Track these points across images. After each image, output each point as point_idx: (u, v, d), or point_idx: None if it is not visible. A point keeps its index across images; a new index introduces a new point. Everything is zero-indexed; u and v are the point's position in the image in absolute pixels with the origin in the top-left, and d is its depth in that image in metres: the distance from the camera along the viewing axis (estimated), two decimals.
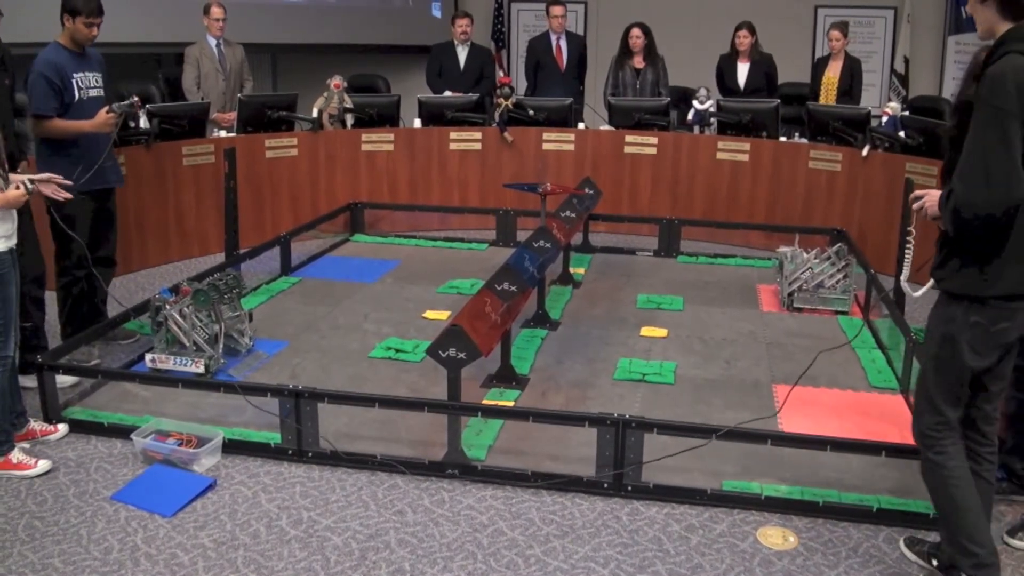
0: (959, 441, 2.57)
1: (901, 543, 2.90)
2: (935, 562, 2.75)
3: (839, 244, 5.23)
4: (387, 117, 6.92)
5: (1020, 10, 2.32)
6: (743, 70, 7.13)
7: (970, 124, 2.30)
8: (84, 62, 4.18)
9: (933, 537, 2.85)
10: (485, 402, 3.78)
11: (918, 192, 2.56)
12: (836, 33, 6.89)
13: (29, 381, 3.72)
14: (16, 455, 3.31)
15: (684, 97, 7.24)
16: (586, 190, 5.76)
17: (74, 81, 4.10)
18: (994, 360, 2.48)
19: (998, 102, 2.22)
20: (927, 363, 2.57)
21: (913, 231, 2.82)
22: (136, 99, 4.27)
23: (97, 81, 4.23)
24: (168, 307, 4.00)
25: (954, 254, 2.43)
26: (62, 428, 3.57)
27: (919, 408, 2.61)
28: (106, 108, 4.11)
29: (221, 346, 4.11)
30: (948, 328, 2.46)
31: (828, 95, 6.95)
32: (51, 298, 4.47)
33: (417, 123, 6.99)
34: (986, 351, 2.44)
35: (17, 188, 3.20)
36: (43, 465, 3.30)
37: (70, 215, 4.03)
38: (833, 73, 6.97)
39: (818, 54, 9.24)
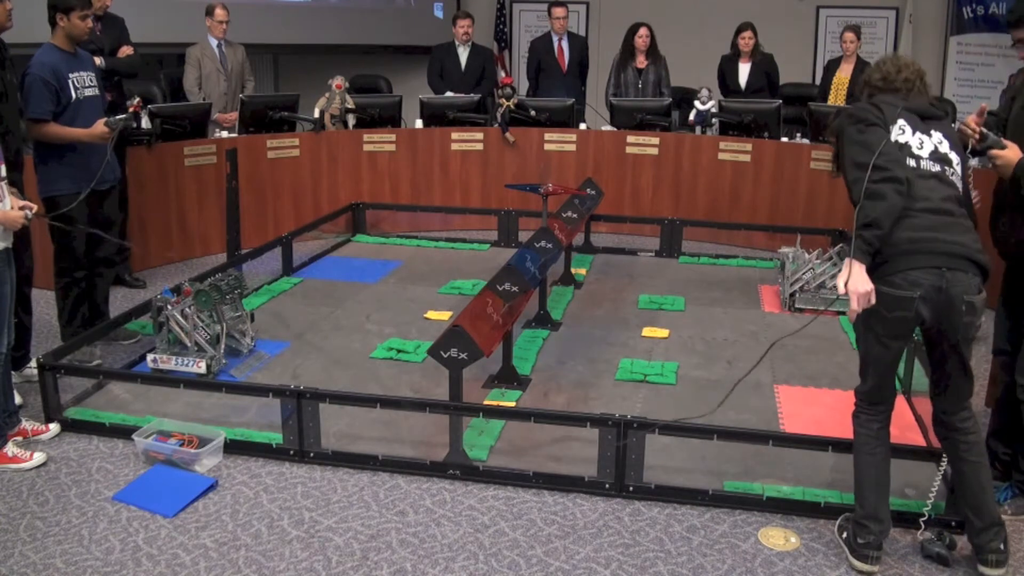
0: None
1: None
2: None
3: (841, 244, 5.23)
4: (389, 117, 6.93)
5: None
6: (744, 71, 7.13)
7: None
8: (78, 62, 4.17)
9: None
10: (487, 402, 3.78)
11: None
12: (851, 35, 6.88)
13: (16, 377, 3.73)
14: (11, 448, 3.32)
15: (686, 97, 7.25)
16: (588, 190, 5.76)
17: (70, 81, 4.09)
18: None
19: None
20: None
21: None
22: (134, 109, 4.23)
23: (91, 81, 4.22)
24: (170, 307, 4.01)
25: None
26: (53, 427, 3.56)
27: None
28: (103, 121, 4.07)
29: (223, 346, 4.11)
30: None
31: (838, 96, 6.94)
32: (49, 297, 4.49)
33: (419, 123, 6.99)
34: None
35: (20, 210, 3.20)
36: (38, 458, 3.31)
37: (66, 216, 4.03)
38: (845, 75, 6.96)
39: (820, 55, 9.24)
